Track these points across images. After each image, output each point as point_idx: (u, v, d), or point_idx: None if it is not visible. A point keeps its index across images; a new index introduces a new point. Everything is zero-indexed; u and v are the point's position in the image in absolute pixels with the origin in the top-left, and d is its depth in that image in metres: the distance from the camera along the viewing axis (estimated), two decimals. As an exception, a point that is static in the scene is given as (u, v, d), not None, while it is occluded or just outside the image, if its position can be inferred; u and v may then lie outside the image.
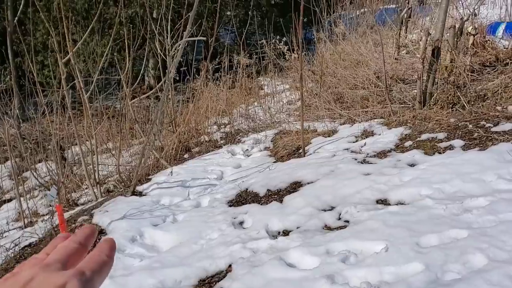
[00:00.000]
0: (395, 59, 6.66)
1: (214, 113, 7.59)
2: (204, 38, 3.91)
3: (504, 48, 5.99)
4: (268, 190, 3.78)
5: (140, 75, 6.11)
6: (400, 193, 3.11)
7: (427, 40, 4.73)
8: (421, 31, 9.75)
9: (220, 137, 6.56)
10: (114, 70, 9.15)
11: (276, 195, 3.64)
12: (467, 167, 3.24)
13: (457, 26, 5.53)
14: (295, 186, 3.69)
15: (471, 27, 7.37)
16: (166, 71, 3.75)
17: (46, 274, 0.38)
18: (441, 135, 3.97)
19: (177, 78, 6.60)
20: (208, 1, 10.04)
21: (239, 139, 6.13)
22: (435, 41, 4.74)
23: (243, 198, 3.80)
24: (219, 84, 8.17)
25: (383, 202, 3.10)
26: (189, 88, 7.82)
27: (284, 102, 8.07)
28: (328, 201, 3.24)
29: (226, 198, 3.88)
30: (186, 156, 6.00)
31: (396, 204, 3.00)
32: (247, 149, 5.62)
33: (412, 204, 2.94)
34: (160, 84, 4.09)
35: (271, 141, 5.65)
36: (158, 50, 5.20)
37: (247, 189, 3.96)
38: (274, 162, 4.73)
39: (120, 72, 5.59)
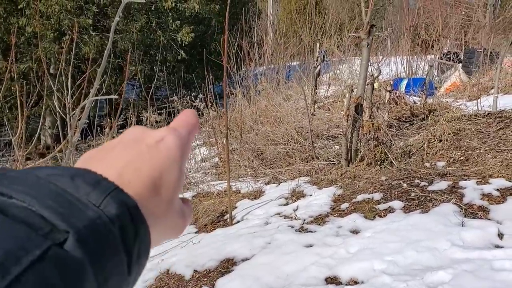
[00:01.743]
0: (312, 114, 6.56)
1: (122, 175, 6.86)
2: (116, 97, 3.38)
3: (415, 103, 6.16)
4: (195, 271, 3.20)
5: (37, 134, 5.33)
6: (351, 268, 2.74)
7: (350, 97, 4.63)
8: (329, 86, 10.03)
9: (130, 202, 5.84)
10: (5, 130, 8.09)
11: (206, 278, 3.08)
12: (416, 233, 2.98)
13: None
14: (227, 265, 3.16)
15: (377, 83, 7.62)
16: (66, 134, 3.12)
17: (146, 130, 0.39)
18: (377, 196, 3.74)
19: (79, 139, 5.88)
20: (112, 56, 9.47)
21: (152, 204, 5.47)
22: (358, 98, 4.65)
23: (165, 282, 3.18)
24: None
25: (334, 281, 2.69)
26: (93, 147, 7.04)
27: (198, 159, 7.58)
28: (270, 283, 2.75)
29: (144, 283, 3.22)
30: (90, 226, 5.19)
31: (350, 284, 2.61)
32: (163, 216, 4.98)
33: (368, 283, 2.57)
34: (59, 147, 3.41)
35: (189, 206, 5.08)
36: (57, 107, 4.54)
37: (168, 270, 3.34)
38: (196, 232, 4.16)
39: (11, 133, 4.81)
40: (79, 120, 3.07)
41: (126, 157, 0.35)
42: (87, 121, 3.75)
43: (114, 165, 0.34)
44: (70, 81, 5.09)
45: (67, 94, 4.90)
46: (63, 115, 5.05)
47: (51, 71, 8.84)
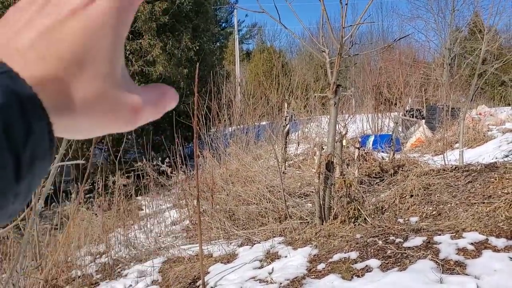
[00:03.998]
0: (283, 172, 6.56)
1: (88, 241, 6.56)
2: (83, 162, 3.27)
3: (383, 159, 6.25)
4: None
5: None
6: (332, 334, 2.61)
7: (321, 155, 4.65)
8: (298, 144, 10.14)
9: (96, 271, 5.53)
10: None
11: None
12: (395, 292, 2.90)
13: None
14: (201, 337, 2.96)
15: (345, 140, 7.76)
16: (30, 201, 2.96)
17: None
18: (353, 255, 3.66)
19: (43, 206, 5.64)
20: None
21: (119, 272, 5.20)
22: (328, 155, 4.67)
23: None
24: (92, 207, 7.25)
25: None
26: (58, 214, 6.76)
27: (168, 223, 7.37)
28: None
29: None
30: (53, 298, 4.86)
31: None
32: (131, 285, 4.72)
33: None
34: (22, 215, 3.23)
35: (159, 273, 4.85)
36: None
37: None
38: (167, 301, 3.94)
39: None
40: (43, 187, 2.93)
41: (42, 24, 0.27)
42: (52, 188, 3.61)
43: (22, 33, 0.27)
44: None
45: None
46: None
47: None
